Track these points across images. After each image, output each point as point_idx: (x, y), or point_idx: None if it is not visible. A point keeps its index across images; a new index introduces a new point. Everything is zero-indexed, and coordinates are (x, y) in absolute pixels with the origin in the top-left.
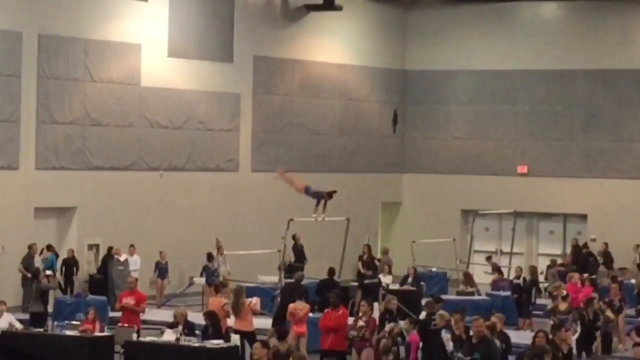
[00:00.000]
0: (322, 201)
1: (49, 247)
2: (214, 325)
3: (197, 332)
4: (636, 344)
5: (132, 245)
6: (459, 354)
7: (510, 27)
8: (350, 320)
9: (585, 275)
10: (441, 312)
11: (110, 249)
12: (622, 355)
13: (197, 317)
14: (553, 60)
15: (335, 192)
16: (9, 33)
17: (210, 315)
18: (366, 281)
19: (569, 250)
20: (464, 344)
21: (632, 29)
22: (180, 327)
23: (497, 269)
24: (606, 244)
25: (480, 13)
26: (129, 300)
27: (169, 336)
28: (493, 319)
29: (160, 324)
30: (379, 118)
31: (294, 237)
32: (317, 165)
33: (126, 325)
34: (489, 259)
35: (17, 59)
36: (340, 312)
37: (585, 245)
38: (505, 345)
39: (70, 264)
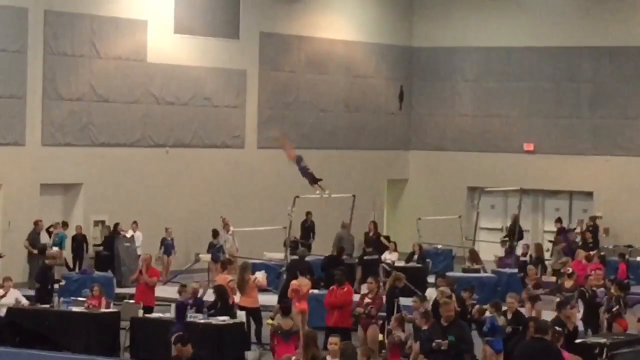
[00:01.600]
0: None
1: (64, 224)
2: (222, 300)
3: (204, 309)
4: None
5: (134, 222)
6: (437, 339)
7: (517, 4)
8: (356, 297)
9: (593, 252)
10: (442, 288)
11: (116, 225)
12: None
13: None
14: (559, 37)
15: (321, 179)
16: (15, 9)
17: (219, 290)
18: (366, 257)
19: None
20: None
21: (638, 5)
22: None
23: (509, 252)
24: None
25: None
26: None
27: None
28: (508, 299)
29: (166, 300)
30: (385, 95)
31: (307, 214)
32: (323, 142)
33: (136, 301)
34: (504, 242)
35: (23, 35)
36: (345, 289)
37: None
38: (522, 327)
39: (80, 240)
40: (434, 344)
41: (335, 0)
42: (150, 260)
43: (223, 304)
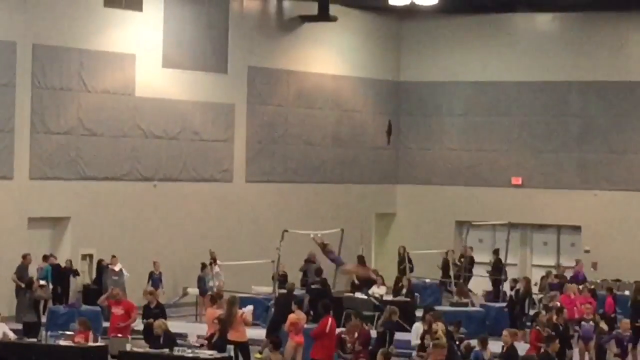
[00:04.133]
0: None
1: (45, 258)
2: (222, 333)
3: (179, 341)
4: (616, 355)
5: (114, 256)
6: None
7: (505, 39)
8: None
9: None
10: (436, 326)
11: (100, 261)
12: None
13: (190, 327)
14: (547, 72)
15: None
16: (3, 43)
17: (224, 324)
18: (313, 286)
19: (563, 262)
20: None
21: (626, 41)
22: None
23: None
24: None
25: (475, 24)
26: (119, 310)
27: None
28: (505, 332)
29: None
30: (373, 129)
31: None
32: (311, 176)
33: (119, 335)
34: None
35: (12, 69)
36: (321, 322)
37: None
38: None
39: (66, 273)
40: None
41: (324, 35)
42: (120, 295)
43: (220, 337)
